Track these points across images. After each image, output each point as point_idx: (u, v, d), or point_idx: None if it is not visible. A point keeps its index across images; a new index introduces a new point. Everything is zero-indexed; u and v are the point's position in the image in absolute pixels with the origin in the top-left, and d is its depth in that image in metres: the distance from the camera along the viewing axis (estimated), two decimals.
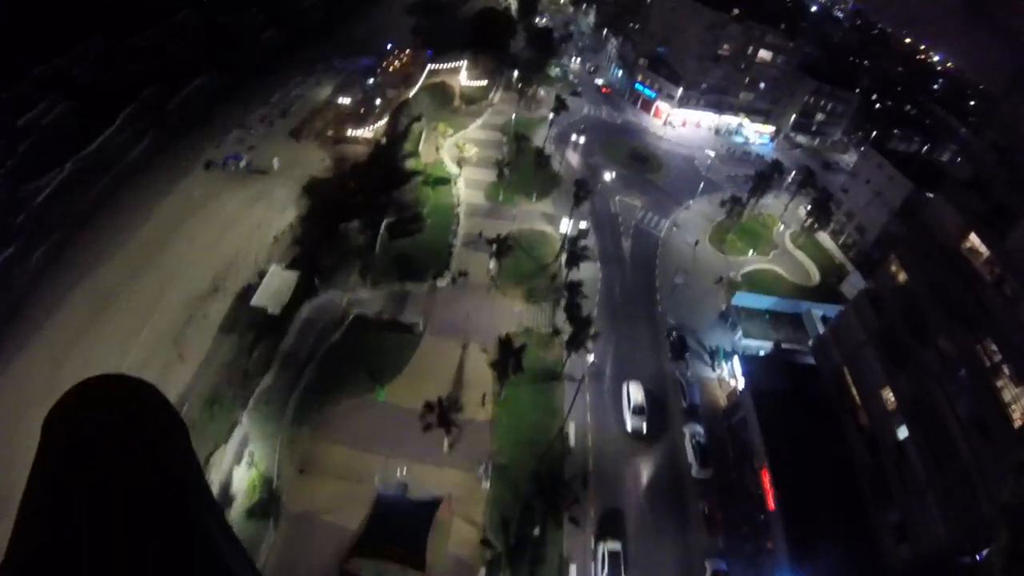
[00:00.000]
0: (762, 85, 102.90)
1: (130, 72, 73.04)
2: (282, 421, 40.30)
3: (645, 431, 44.32)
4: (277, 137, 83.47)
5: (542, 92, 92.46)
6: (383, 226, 56.87)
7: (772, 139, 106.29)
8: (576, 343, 42.44)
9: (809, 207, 76.44)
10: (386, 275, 52.75)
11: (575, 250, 49.30)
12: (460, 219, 60.73)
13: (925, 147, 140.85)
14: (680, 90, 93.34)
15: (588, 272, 56.87)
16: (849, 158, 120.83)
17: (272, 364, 45.02)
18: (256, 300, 49.96)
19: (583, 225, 58.18)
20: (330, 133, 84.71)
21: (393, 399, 43.08)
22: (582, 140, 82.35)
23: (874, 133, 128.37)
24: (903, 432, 37.43)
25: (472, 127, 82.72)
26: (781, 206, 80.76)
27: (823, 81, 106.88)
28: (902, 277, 44.22)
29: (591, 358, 45.55)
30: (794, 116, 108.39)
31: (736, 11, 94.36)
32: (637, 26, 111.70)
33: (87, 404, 2.16)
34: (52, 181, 57.36)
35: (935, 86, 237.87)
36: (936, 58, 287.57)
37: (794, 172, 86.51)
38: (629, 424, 44.71)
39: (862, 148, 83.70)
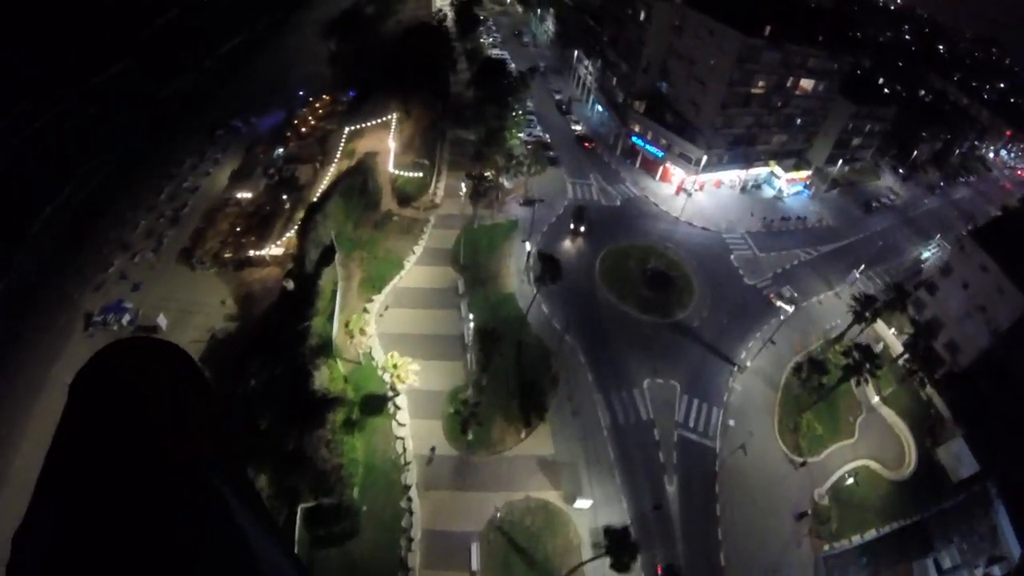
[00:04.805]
0: (799, 121, 79.32)
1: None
2: None
3: None
4: (167, 263, 62.29)
5: (506, 182, 63.91)
6: (298, 517, 34.48)
7: (807, 185, 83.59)
8: None
9: (906, 347, 55.59)
10: None
11: None
12: (413, 501, 36.12)
13: (948, 137, 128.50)
14: (704, 157, 68.31)
15: None
16: (884, 183, 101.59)
17: None
18: None
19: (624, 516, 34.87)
20: (228, 255, 60.51)
21: None
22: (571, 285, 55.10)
23: (914, 153, 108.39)
24: None
25: (409, 261, 54.71)
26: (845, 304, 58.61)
27: (861, 101, 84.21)
28: None
29: None
30: (830, 150, 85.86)
31: (768, 29, 69.21)
32: (620, 47, 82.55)
33: (113, 367, 2.08)
34: None
35: (905, 33, 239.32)
36: None
37: (859, 269, 66.06)
38: None
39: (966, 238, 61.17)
